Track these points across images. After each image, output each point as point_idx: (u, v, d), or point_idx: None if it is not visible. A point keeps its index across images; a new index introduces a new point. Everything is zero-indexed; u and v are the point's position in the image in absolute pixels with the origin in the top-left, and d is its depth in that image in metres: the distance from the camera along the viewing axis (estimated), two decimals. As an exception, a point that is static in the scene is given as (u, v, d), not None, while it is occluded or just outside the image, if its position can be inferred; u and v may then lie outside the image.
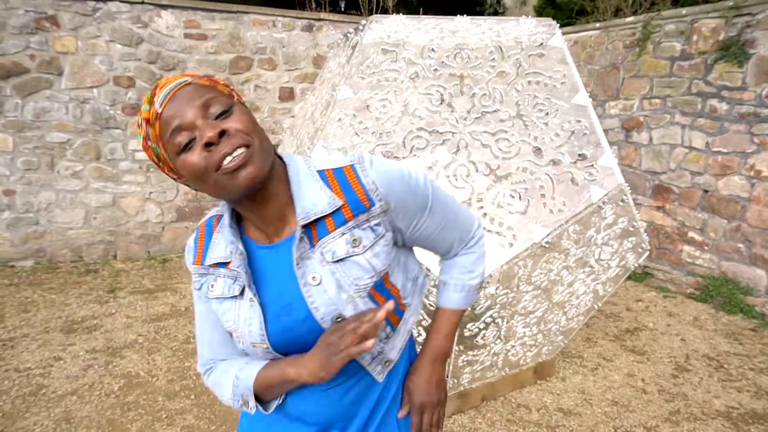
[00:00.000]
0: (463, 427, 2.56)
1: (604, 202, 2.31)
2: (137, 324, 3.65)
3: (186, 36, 4.97)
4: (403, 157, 2.45)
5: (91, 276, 4.58)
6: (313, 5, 6.77)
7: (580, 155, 2.37)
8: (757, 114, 3.88)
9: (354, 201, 0.88)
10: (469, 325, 2.38)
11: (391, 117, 2.47)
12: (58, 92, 4.62)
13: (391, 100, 2.49)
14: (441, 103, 2.51)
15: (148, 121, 0.81)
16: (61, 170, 4.75)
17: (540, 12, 9.93)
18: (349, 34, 2.86)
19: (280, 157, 0.93)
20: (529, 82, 2.53)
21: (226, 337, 0.99)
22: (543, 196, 2.41)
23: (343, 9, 9.49)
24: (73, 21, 4.54)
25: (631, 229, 2.47)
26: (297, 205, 0.87)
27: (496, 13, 13.49)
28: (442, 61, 2.54)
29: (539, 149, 2.47)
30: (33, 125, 4.58)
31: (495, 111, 2.50)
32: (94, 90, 4.71)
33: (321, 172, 0.90)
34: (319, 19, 5.47)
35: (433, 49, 2.55)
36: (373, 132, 2.45)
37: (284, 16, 5.31)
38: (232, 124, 0.79)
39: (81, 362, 3.09)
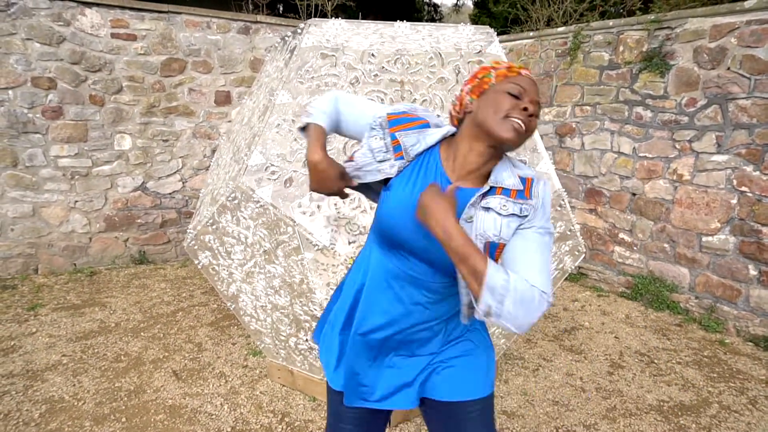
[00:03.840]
0: (409, 436, 2.54)
1: (542, 207, 2.35)
2: (61, 343, 3.39)
3: (113, 36, 4.70)
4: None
5: (8, 292, 4.23)
6: (250, 7, 6.62)
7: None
8: (678, 121, 4.12)
9: (522, 192, 1.22)
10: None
11: (332, 123, 2.42)
12: (-33, 94, 4.25)
13: (332, 106, 2.43)
14: (382, 109, 2.48)
15: (495, 68, 1.22)
16: (-28, 178, 4.36)
17: (475, 21, 10.17)
18: (287, 38, 2.78)
19: None
20: (469, 89, 2.55)
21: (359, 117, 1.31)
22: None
23: (281, 12, 9.35)
24: (-15, 17, 4.19)
25: (569, 233, 2.54)
26: (496, 173, 1.22)
27: (433, 21, 13.71)
28: (383, 67, 2.52)
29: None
30: (-62, 129, 4.19)
31: (436, 117, 2.50)
32: (9, 92, 4.36)
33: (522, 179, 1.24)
34: (256, 22, 5.33)
35: (373, 54, 2.52)
36: (313, 138, 2.38)
37: (219, 18, 5.14)
38: (537, 111, 1.20)
39: (-5, 388, 2.83)
